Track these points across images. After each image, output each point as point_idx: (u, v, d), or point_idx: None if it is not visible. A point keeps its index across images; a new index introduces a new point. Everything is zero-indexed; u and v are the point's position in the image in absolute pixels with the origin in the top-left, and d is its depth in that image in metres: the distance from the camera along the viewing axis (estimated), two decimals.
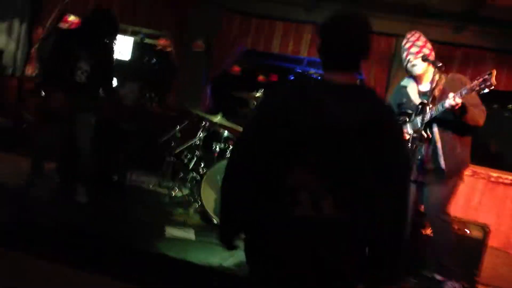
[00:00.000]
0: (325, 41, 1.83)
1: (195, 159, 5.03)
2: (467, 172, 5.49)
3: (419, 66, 3.62)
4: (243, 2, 6.07)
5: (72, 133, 4.18)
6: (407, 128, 3.71)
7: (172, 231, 4.14)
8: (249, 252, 1.85)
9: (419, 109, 3.64)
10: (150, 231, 4.12)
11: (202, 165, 4.90)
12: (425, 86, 3.68)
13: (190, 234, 4.13)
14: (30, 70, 6.41)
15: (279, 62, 7.50)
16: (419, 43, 3.64)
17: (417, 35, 3.70)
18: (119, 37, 7.58)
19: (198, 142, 5.12)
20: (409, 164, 1.76)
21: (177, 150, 5.28)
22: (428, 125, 3.57)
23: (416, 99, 3.72)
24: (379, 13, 5.57)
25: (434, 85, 3.50)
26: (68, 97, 3.99)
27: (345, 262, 1.72)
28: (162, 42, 8.20)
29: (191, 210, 4.80)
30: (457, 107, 3.31)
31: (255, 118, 1.89)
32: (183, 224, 4.38)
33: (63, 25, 6.81)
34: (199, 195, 4.54)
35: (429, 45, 3.66)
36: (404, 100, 3.78)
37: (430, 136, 3.59)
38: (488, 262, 4.05)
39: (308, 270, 1.70)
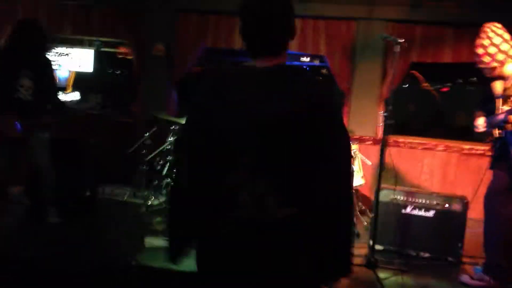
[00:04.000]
0: (243, 22, 1.64)
1: (168, 164, 4.93)
2: (440, 147, 5.56)
3: (485, 71, 3.45)
4: (198, 1, 5.96)
5: (30, 154, 4.03)
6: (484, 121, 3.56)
7: (152, 241, 4.04)
8: (198, 261, 1.71)
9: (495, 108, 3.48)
10: (130, 244, 4.01)
11: None
12: (502, 84, 3.46)
13: None
14: None
15: (242, 58, 7.40)
16: (479, 50, 3.41)
17: (484, 35, 3.42)
18: (77, 50, 7.43)
19: (169, 147, 5.02)
20: (350, 147, 1.63)
21: (149, 158, 5.18)
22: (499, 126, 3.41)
23: (498, 95, 3.49)
24: None
25: (508, 83, 3.37)
26: (17, 118, 3.83)
27: (298, 261, 1.59)
28: (122, 50, 8.02)
29: None
30: None
31: (186, 124, 1.75)
32: (162, 233, 4.26)
33: None
34: None
35: (492, 49, 3.35)
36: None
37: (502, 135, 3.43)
38: (471, 234, 4.08)
39: (260, 275, 1.58)
